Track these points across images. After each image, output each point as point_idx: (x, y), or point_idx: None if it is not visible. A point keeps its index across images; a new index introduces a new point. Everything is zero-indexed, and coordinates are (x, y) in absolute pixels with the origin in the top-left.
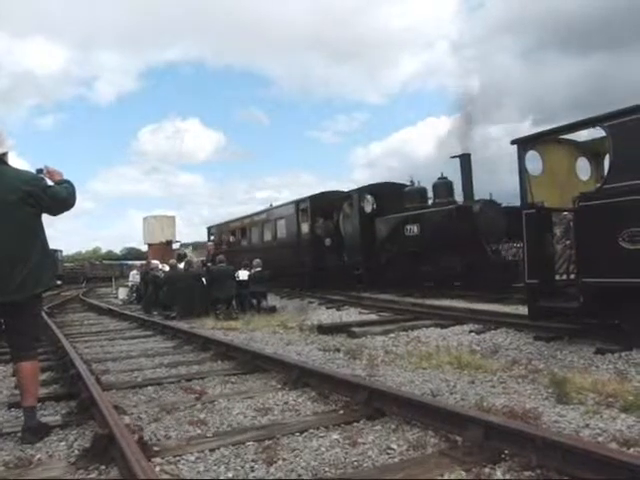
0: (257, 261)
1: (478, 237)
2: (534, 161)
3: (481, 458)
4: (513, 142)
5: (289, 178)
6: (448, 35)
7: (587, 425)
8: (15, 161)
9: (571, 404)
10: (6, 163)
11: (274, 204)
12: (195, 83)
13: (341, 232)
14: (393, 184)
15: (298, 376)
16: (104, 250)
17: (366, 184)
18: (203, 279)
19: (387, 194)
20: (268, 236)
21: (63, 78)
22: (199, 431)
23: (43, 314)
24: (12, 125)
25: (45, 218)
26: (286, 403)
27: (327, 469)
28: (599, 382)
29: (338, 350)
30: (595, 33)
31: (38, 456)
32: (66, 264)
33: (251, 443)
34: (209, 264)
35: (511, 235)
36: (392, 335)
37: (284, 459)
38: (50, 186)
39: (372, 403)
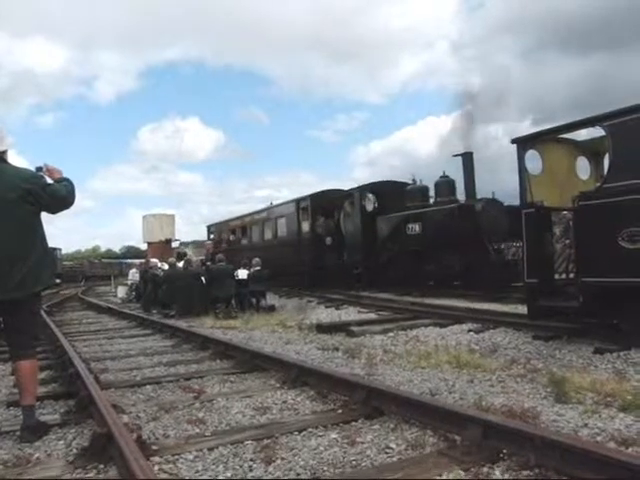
0: (256, 260)
1: (480, 236)
2: (534, 160)
3: (480, 457)
4: (513, 141)
5: (289, 177)
6: (448, 35)
7: (586, 424)
8: (15, 159)
9: (570, 403)
10: (6, 161)
11: (274, 202)
12: (195, 82)
13: (342, 231)
14: (395, 183)
15: (297, 375)
16: (103, 248)
17: (367, 183)
18: (202, 278)
19: (388, 193)
20: (269, 235)
21: (63, 77)
22: (198, 430)
23: (42, 312)
24: (12, 123)
25: (44, 216)
26: (285, 402)
27: (325, 468)
28: (598, 381)
29: (337, 349)
30: (595, 33)
31: (36, 455)
32: (65, 262)
33: (250, 442)
34: (208, 263)
35: (513, 234)
36: (391, 334)
37: (282, 458)
38: (49, 184)
39: (371, 402)
